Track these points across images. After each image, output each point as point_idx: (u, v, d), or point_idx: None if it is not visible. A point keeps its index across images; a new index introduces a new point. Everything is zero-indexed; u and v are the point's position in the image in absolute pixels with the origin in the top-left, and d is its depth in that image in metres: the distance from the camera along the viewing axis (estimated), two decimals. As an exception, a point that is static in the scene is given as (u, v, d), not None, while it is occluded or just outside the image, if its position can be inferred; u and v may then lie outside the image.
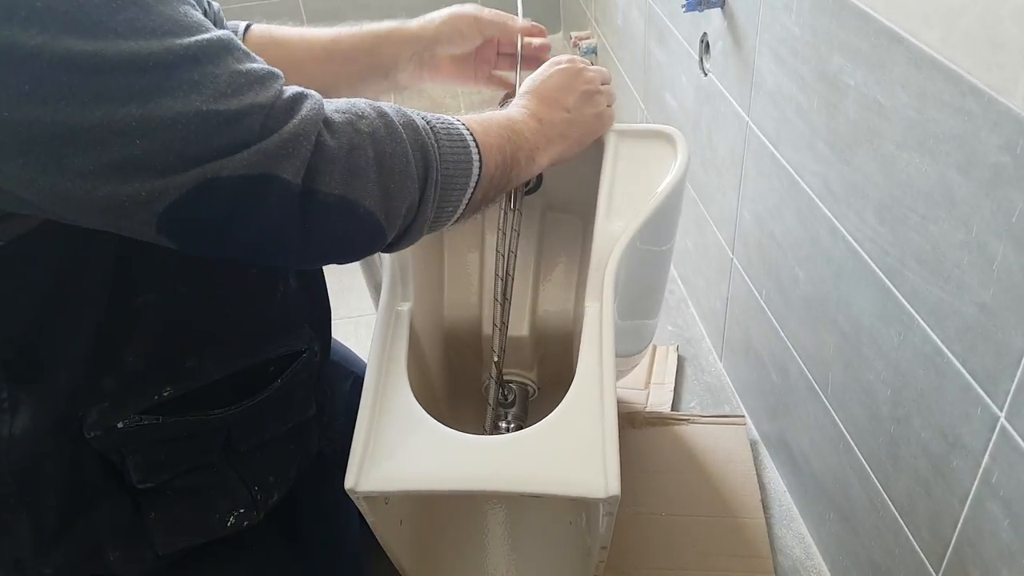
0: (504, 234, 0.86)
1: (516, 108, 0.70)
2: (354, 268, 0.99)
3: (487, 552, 0.97)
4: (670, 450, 1.16)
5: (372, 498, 0.64)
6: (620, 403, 1.24)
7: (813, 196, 0.84)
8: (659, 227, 0.83)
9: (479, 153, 0.60)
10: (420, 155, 0.55)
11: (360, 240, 0.54)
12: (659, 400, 1.24)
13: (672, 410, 1.23)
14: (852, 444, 0.85)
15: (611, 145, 0.83)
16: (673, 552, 1.03)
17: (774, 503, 1.09)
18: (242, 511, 0.69)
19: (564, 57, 0.76)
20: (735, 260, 1.12)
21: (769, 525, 1.05)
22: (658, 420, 1.20)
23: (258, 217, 0.48)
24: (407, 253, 0.79)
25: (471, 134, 0.60)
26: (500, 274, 0.84)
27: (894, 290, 0.71)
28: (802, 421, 0.99)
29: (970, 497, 0.66)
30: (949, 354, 0.65)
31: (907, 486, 0.75)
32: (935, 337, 0.66)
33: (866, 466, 0.83)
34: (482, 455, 0.64)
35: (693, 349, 1.33)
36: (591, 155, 0.84)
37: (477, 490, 0.62)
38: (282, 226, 0.49)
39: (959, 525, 0.68)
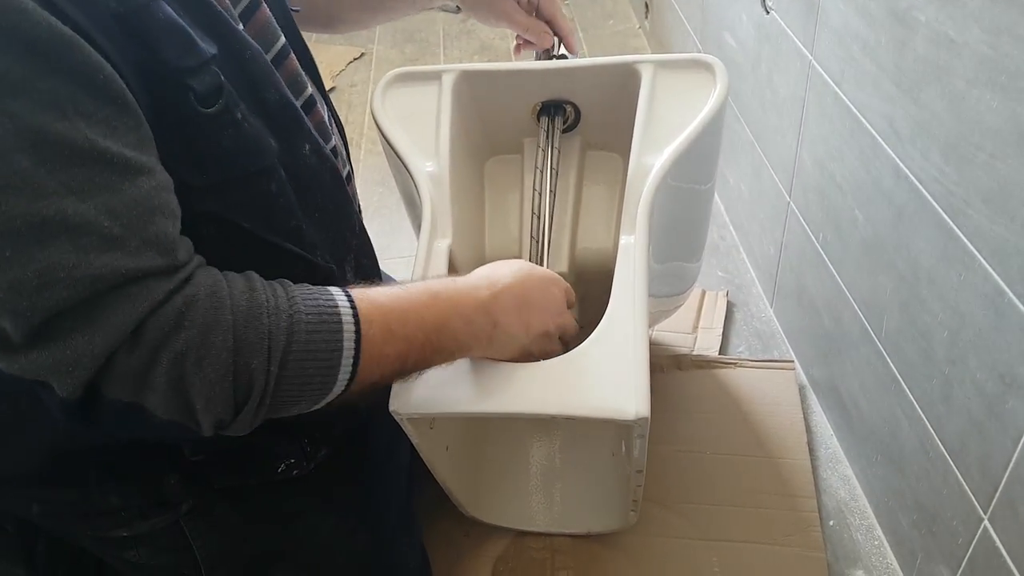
0: (541, 172, 0.87)
1: (480, 299, 0.62)
2: (403, 208, 1.01)
3: (532, 481, 1.00)
4: (716, 393, 1.17)
5: (416, 421, 0.67)
6: (667, 346, 1.26)
7: (877, 136, 0.83)
8: (696, 161, 0.83)
9: (354, 367, 0.53)
10: (245, 379, 0.48)
11: (170, 431, 0.49)
12: (706, 344, 1.25)
13: (720, 354, 1.24)
14: (904, 387, 0.86)
15: (648, 77, 0.82)
16: (716, 489, 1.05)
17: (820, 446, 1.10)
18: (292, 461, 0.72)
19: (562, 286, 0.70)
20: (792, 204, 1.11)
21: (814, 467, 1.07)
22: (705, 363, 1.21)
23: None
24: (446, 192, 0.80)
25: (356, 345, 0.52)
26: (536, 212, 0.85)
27: (956, 230, 0.71)
28: (853, 365, 0.99)
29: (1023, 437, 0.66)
30: (1011, 294, 0.64)
31: (959, 427, 0.76)
32: (996, 277, 0.66)
33: (917, 408, 0.83)
34: (518, 380, 0.66)
35: (743, 295, 1.33)
36: (630, 89, 0.84)
37: (513, 412, 0.65)
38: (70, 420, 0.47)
39: (1011, 465, 0.69)
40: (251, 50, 0.57)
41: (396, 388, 0.66)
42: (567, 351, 0.68)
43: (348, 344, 0.52)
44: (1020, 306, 0.64)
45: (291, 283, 0.54)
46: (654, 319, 1.15)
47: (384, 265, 0.87)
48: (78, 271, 0.44)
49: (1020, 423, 0.66)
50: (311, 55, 0.74)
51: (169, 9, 0.49)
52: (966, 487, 0.76)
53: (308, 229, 0.63)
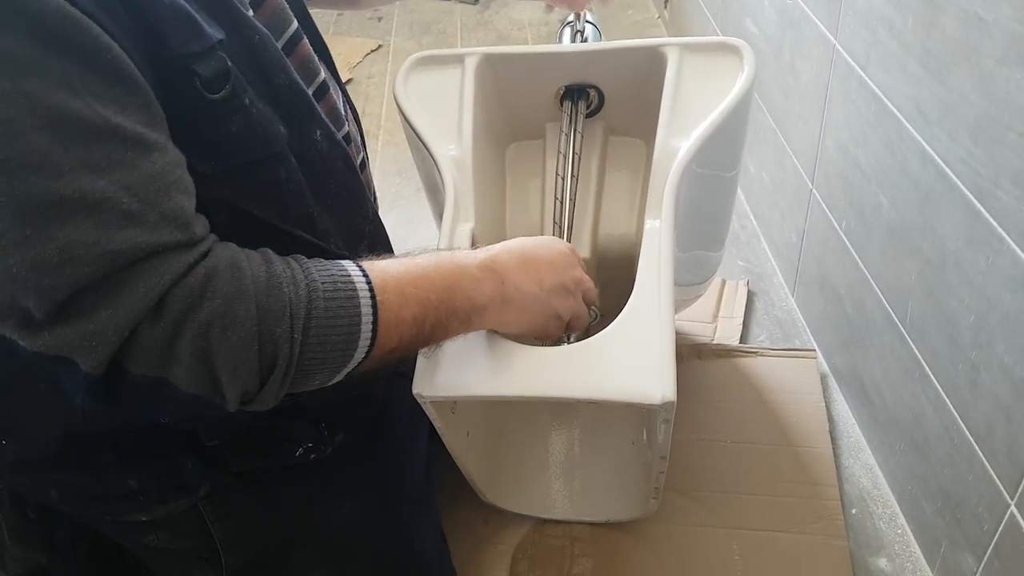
0: (564, 157, 0.86)
1: (479, 258, 0.62)
2: (422, 199, 1.01)
3: (552, 468, 1.00)
4: (737, 381, 1.17)
5: (439, 404, 0.67)
6: (687, 335, 1.25)
7: (903, 120, 0.82)
8: (721, 146, 0.82)
9: (374, 332, 0.53)
10: (270, 348, 0.49)
11: (193, 408, 0.49)
12: (727, 333, 1.25)
13: (740, 343, 1.23)
14: (929, 373, 0.85)
15: (674, 60, 0.81)
16: (738, 477, 1.04)
17: (842, 435, 1.09)
18: (310, 445, 0.72)
19: (565, 244, 0.69)
20: (815, 191, 1.11)
21: (836, 455, 1.06)
22: (725, 352, 1.20)
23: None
24: (469, 177, 0.80)
25: (373, 310, 0.52)
26: (559, 197, 0.85)
27: (984, 212, 0.70)
28: (876, 353, 0.98)
29: (1053, 421, 0.66)
30: (1041, 276, 0.64)
31: (986, 412, 0.75)
32: (1027, 259, 0.65)
33: (942, 394, 0.83)
34: (542, 364, 0.66)
35: (764, 284, 1.32)
36: (656, 74, 0.84)
37: (538, 396, 0.64)
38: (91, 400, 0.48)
39: (1039, 450, 0.68)
40: (260, 35, 0.57)
41: (419, 371, 0.66)
42: (591, 332, 0.68)
43: (365, 309, 0.52)
44: (1050, 288, 0.63)
45: (304, 257, 0.54)
46: (676, 307, 1.15)
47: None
48: (98, 247, 0.44)
49: (1049, 407, 0.66)
50: (324, 41, 0.74)
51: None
52: (992, 473, 0.76)
53: (320, 215, 0.63)
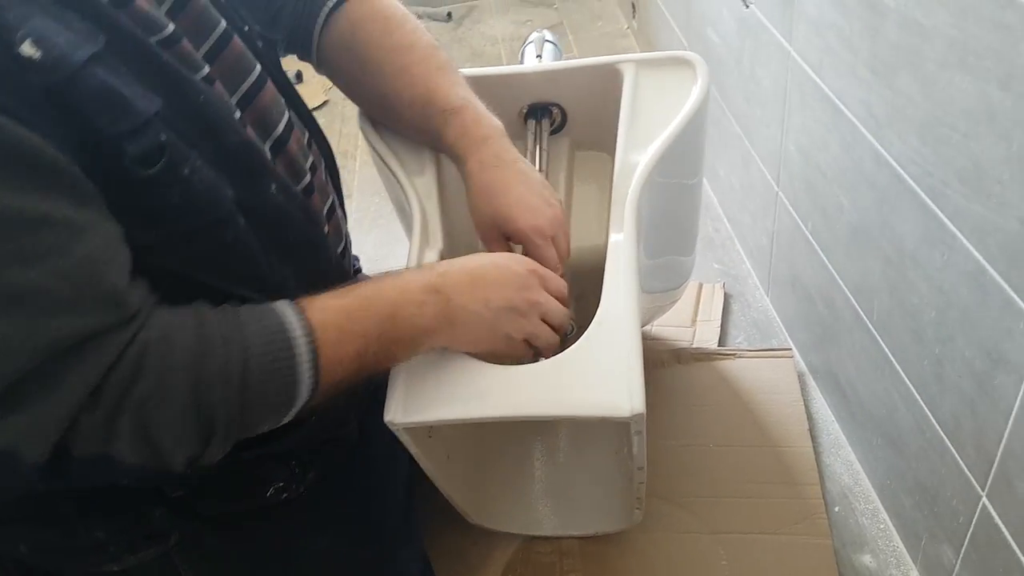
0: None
1: (425, 280, 0.61)
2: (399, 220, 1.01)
3: (536, 485, 1.01)
4: (717, 384, 1.18)
5: (414, 431, 0.67)
6: (666, 340, 1.26)
7: (856, 123, 0.84)
8: (681, 156, 0.84)
9: (314, 375, 0.53)
10: (208, 412, 0.50)
11: (142, 474, 0.51)
12: (705, 337, 1.26)
13: (719, 346, 1.25)
14: (898, 368, 0.86)
15: (630, 76, 0.83)
16: (721, 481, 1.05)
17: (822, 432, 1.10)
18: (281, 485, 0.71)
19: (525, 263, 0.68)
20: (780, 194, 1.12)
21: (817, 453, 1.07)
22: (704, 356, 1.22)
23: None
24: (435, 201, 0.80)
25: (312, 354, 0.53)
26: None
27: (937, 211, 0.71)
28: (848, 350, 1.00)
29: (1014, 412, 0.67)
30: (992, 271, 0.65)
31: (952, 406, 0.76)
32: (978, 255, 0.67)
33: (912, 389, 0.84)
34: (512, 383, 0.66)
35: (740, 286, 1.34)
36: (614, 89, 0.85)
37: (509, 416, 0.65)
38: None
39: (1003, 441, 0.69)
40: (206, 95, 0.55)
41: (391, 399, 0.66)
42: (565, 345, 0.69)
43: (303, 354, 0.52)
44: (1002, 283, 0.64)
45: (238, 306, 0.54)
46: (652, 314, 1.16)
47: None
48: (33, 338, 0.45)
49: (1010, 399, 0.67)
50: (288, 80, 0.72)
51: (102, 73, 0.48)
52: (963, 465, 0.77)
53: (276, 267, 0.62)
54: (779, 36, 1.00)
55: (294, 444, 0.68)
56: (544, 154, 0.89)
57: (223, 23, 0.62)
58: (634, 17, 2.04)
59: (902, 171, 0.76)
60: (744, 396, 1.16)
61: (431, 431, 0.75)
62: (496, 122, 0.75)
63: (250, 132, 0.61)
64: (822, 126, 0.93)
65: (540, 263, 0.71)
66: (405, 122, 0.79)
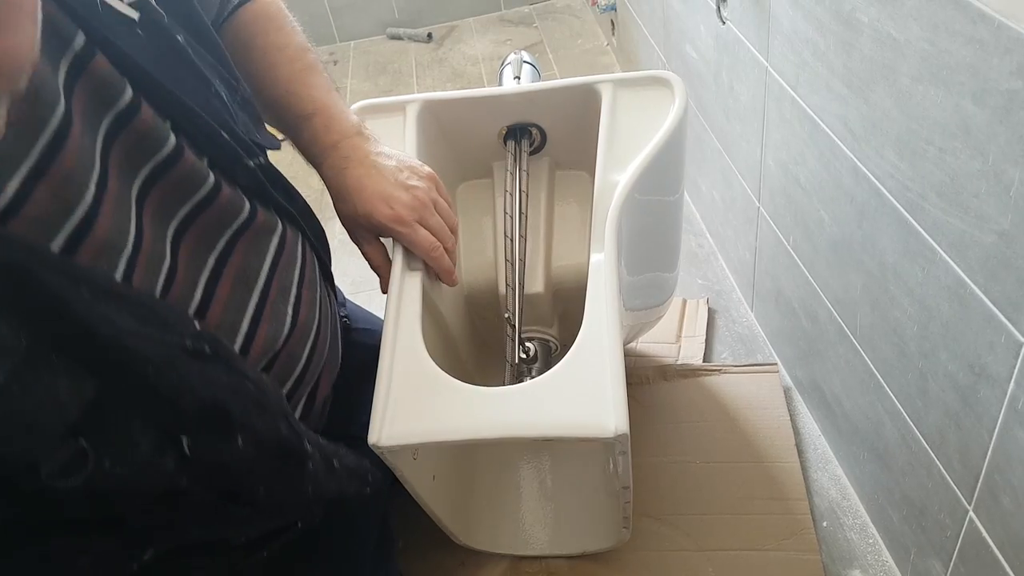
0: (511, 195, 0.88)
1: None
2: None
3: (523, 504, 1.00)
4: (703, 401, 1.17)
5: (397, 452, 0.67)
6: (652, 357, 1.26)
7: (834, 137, 0.84)
8: (660, 174, 0.84)
9: None
10: None
11: None
12: (690, 352, 1.26)
13: (704, 362, 1.24)
14: (882, 382, 0.86)
15: (608, 96, 0.84)
16: (708, 498, 1.05)
17: (809, 447, 1.10)
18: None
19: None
20: (762, 208, 1.12)
21: (804, 468, 1.07)
22: (690, 372, 1.21)
23: None
24: None
25: None
26: (509, 235, 0.86)
27: (916, 225, 0.71)
28: (833, 364, 1.00)
29: (998, 426, 0.67)
30: (971, 284, 0.65)
31: (937, 420, 0.76)
32: (957, 269, 0.67)
33: (896, 403, 0.84)
34: (496, 405, 0.66)
35: (724, 301, 1.34)
36: (593, 109, 0.85)
37: (494, 437, 0.65)
38: None
39: (988, 455, 0.69)
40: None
41: (373, 420, 0.66)
42: (548, 365, 0.68)
43: None
44: (982, 296, 0.64)
45: None
46: (637, 331, 1.15)
47: (364, 298, 0.87)
48: None
49: (993, 412, 0.67)
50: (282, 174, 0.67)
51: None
52: (949, 479, 0.77)
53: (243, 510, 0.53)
54: (755, 52, 1.01)
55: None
56: (524, 174, 0.89)
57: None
58: (613, 34, 2.05)
59: (880, 185, 0.76)
60: (730, 412, 1.15)
61: (416, 452, 0.74)
62: (349, 122, 0.74)
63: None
64: (800, 141, 0.93)
65: (413, 248, 0.73)
66: (277, 121, 0.76)
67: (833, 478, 1.06)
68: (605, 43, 2.20)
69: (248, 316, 0.59)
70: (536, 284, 0.92)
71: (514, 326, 0.82)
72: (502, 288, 0.89)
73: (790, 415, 1.13)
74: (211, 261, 0.56)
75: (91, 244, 0.45)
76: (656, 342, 1.28)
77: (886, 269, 0.79)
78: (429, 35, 2.42)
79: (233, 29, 0.74)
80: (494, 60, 2.26)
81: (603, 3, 1.92)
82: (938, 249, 0.69)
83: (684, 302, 1.33)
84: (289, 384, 0.64)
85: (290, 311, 0.63)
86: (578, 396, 0.66)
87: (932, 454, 0.79)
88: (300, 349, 0.65)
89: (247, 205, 0.60)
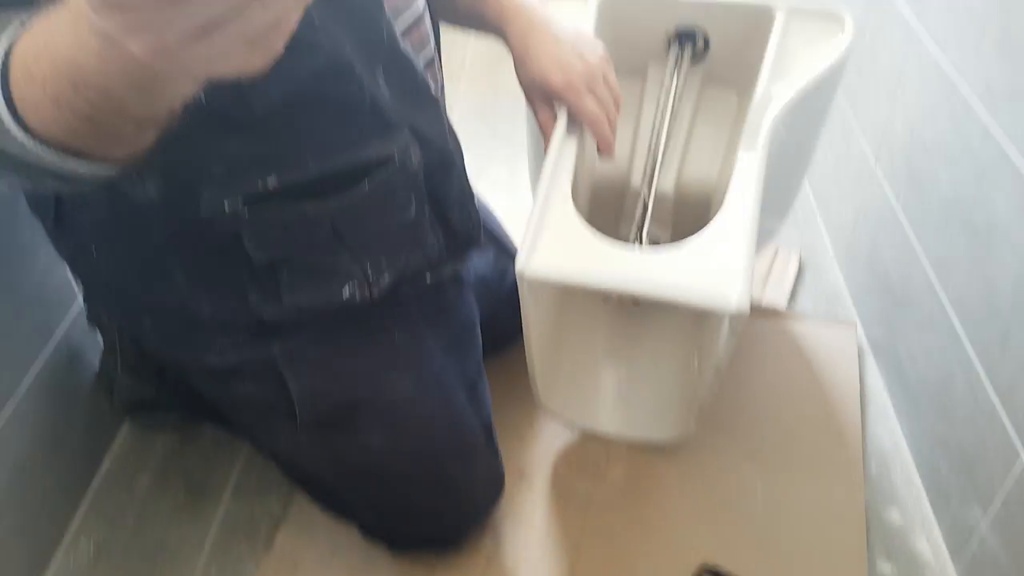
0: (667, 93, 0.94)
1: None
2: (495, 141, 1.06)
3: (603, 382, 1.07)
4: (780, 341, 1.24)
5: (535, 286, 0.74)
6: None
7: (973, 98, 0.88)
8: (812, 107, 0.89)
9: (13, 114, 0.45)
10: None
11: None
12: (774, 297, 1.32)
13: (787, 309, 1.30)
14: (962, 337, 0.92)
15: (781, 18, 0.89)
16: (769, 423, 1.12)
17: (871, 403, 1.16)
18: (355, 284, 0.76)
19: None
20: (878, 169, 1.17)
21: (863, 419, 1.13)
22: (772, 313, 1.28)
23: None
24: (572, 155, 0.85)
25: (4, 91, 0.45)
26: (656, 128, 0.93)
27: (1036, 185, 0.76)
28: (915, 323, 1.05)
29: (1071, 377, 0.72)
30: (1079, 241, 0.70)
31: (1011, 371, 0.82)
32: (1068, 226, 0.72)
33: (972, 357, 0.89)
34: (633, 262, 0.72)
35: (815, 258, 1.39)
36: (761, 29, 0.91)
37: (627, 291, 0.71)
38: None
39: (1055, 405, 0.75)
40: None
41: (523, 250, 0.73)
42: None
43: None
44: (1086, 253, 0.69)
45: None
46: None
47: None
48: None
49: (1070, 363, 0.72)
50: None
51: None
52: (1010, 430, 0.83)
53: (330, 26, 0.64)
54: (909, 11, 1.04)
55: (367, 249, 0.74)
56: (683, 77, 0.95)
57: None
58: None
59: (1009, 147, 0.81)
60: (803, 357, 1.22)
61: (540, 296, 0.81)
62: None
63: None
64: (934, 102, 0.97)
65: (579, 114, 0.80)
66: (456, 8, 0.87)
67: (890, 432, 1.12)
68: None
69: None
70: (667, 183, 0.99)
71: (647, 206, 0.89)
72: (635, 180, 0.96)
73: (860, 371, 1.19)
74: None
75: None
76: (742, 281, 1.34)
77: (995, 228, 0.84)
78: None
79: None
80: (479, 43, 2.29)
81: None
82: (1053, 209, 0.74)
83: (776, 249, 1.38)
84: None
85: None
86: (709, 271, 0.71)
87: (997, 405, 0.85)
88: None
89: None
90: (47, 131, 0.46)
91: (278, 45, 0.38)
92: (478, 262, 1.06)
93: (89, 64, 0.41)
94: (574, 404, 1.03)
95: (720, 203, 0.79)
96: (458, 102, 1.85)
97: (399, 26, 0.74)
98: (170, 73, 0.39)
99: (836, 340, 1.24)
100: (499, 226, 1.16)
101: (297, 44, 0.60)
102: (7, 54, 0.45)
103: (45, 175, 0.49)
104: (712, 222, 0.75)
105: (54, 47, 0.42)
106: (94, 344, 1.05)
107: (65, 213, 0.78)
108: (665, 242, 1.04)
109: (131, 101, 0.43)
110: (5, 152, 0.47)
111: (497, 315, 1.03)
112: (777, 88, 0.84)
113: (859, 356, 1.22)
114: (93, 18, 0.36)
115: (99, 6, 0.34)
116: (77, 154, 0.48)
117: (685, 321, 1.07)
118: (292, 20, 0.37)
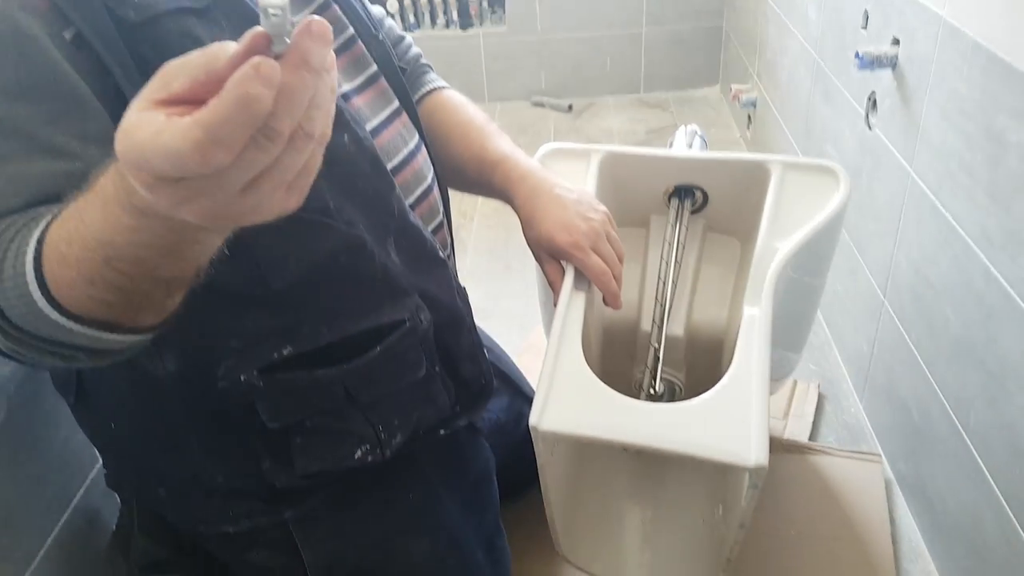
0: (670, 245, 0.98)
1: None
2: (508, 276, 1.10)
3: (626, 534, 1.06)
4: (805, 477, 1.22)
5: (548, 439, 0.74)
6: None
7: (970, 242, 0.91)
8: (815, 253, 0.92)
9: (48, 298, 0.49)
10: None
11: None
12: (797, 431, 1.31)
13: (809, 441, 1.29)
14: (989, 478, 0.90)
15: (777, 173, 0.93)
16: (798, 568, 1.09)
17: (903, 539, 1.13)
18: (368, 447, 0.76)
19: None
20: (887, 303, 1.19)
21: (896, 559, 1.09)
22: (795, 448, 1.26)
23: None
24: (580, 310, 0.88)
25: (37, 276, 0.49)
26: (663, 278, 0.96)
27: (1043, 329, 0.78)
28: (941, 459, 1.04)
29: (1105, 526, 0.71)
30: (1093, 388, 0.71)
31: (1043, 517, 0.80)
32: (1081, 372, 0.72)
33: (1002, 500, 0.88)
34: (646, 417, 0.73)
35: (834, 389, 1.39)
36: (757, 184, 0.95)
37: (641, 445, 0.71)
38: None
39: (1093, 554, 0.73)
40: None
41: (537, 405, 0.73)
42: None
43: (30, 273, 0.50)
44: (1102, 399, 0.70)
45: (35, 221, 0.52)
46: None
47: (484, 326, 0.97)
48: None
49: (1102, 511, 0.71)
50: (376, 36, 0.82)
51: (192, 23, 0.56)
52: (1050, 577, 0.80)
53: (343, 208, 0.68)
54: (900, 158, 1.09)
55: (379, 410, 0.76)
56: (684, 228, 0.99)
57: (351, 30, 0.76)
58: (749, 128, 2.16)
59: (1012, 290, 0.83)
60: (830, 492, 1.19)
61: (554, 448, 0.82)
62: (533, 164, 0.90)
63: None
64: (935, 243, 1.00)
65: (585, 271, 0.84)
66: (467, 177, 0.93)
67: (924, 572, 1.08)
68: (738, 135, 2.31)
69: None
70: (677, 327, 1.01)
71: (658, 356, 0.90)
72: (645, 325, 0.98)
73: (888, 506, 1.16)
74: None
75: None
76: (761, 416, 1.33)
77: (1007, 368, 0.85)
78: (570, 106, 2.59)
79: (433, 106, 0.93)
80: (626, 135, 2.40)
81: (744, 98, 2.04)
82: (1063, 353, 0.75)
83: (795, 382, 1.38)
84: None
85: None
86: (724, 425, 0.71)
87: (1034, 552, 0.82)
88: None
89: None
90: (81, 308, 0.49)
91: (309, 184, 0.40)
92: (493, 407, 1.06)
93: (121, 239, 0.44)
94: (598, 554, 1.00)
95: (732, 343, 0.80)
96: (471, 239, 1.91)
97: (409, 199, 0.79)
98: (216, 229, 0.42)
99: (862, 474, 1.22)
100: (514, 369, 1.17)
101: (313, 226, 0.65)
102: (39, 242, 0.49)
103: (78, 351, 0.52)
104: (724, 377, 0.76)
105: (85, 230, 0.46)
106: (111, 504, 1.05)
107: (86, 391, 0.80)
108: (681, 383, 1.05)
109: (162, 264, 0.46)
110: (39, 335, 0.51)
111: (515, 459, 1.02)
112: (777, 240, 0.87)
113: (887, 491, 1.19)
114: (144, 195, 0.38)
115: (153, 184, 0.37)
116: (109, 327, 0.51)
117: (706, 470, 1.06)
118: (318, 158, 0.40)
